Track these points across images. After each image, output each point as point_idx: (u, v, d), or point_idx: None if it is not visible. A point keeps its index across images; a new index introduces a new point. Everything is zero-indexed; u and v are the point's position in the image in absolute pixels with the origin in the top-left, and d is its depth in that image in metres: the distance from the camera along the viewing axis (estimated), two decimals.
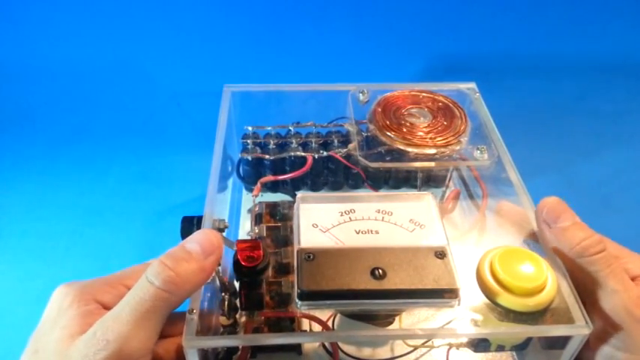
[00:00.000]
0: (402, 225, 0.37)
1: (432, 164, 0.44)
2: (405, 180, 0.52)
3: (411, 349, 0.39)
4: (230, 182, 0.52)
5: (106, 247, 0.53)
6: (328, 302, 0.32)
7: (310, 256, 0.33)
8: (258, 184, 0.48)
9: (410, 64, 0.80)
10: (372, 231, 0.36)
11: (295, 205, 0.37)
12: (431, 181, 0.52)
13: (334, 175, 0.50)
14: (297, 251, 0.34)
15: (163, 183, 0.61)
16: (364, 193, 0.39)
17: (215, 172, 0.41)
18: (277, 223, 0.40)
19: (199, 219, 0.38)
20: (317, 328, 0.34)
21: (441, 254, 0.34)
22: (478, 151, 0.44)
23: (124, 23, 0.81)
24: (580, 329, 0.31)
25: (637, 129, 0.69)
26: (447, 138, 0.44)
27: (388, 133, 0.44)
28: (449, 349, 0.38)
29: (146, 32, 0.81)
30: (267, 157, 0.49)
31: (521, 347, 0.37)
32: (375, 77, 0.77)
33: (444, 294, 0.32)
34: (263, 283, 0.35)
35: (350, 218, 0.37)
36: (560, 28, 0.82)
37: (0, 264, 0.52)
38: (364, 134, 0.47)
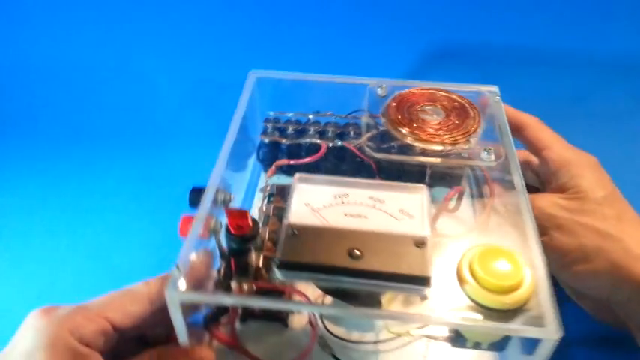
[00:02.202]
0: (391, 213, 0.38)
1: (437, 160, 0.44)
2: (419, 177, 0.52)
3: (393, 335, 0.40)
4: (250, 163, 0.55)
5: (107, 248, 0.53)
6: (304, 274, 0.34)
7: (295, 231, 0.35)
8: (273, 167, 0.50)
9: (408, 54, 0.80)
10: (360, 215, 0.37)
11: (292, 183, 0.39)
12: (446, 180, 0.52)
13: (347, 166, 0.51)
14: (285, 226, 0.36)
15: (164, 183, 0.60)
16: (363, 180, 0.40)
17: (227, 147, 0.44)
18: (285, 204, 0.41)
19: None
20: None
21: (420, 243, 0.35)
22: (485, 153, 0.44)
23: (124, 23, 0.81)
24: (549, 333, 0.31)
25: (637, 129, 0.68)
26: (456, 137, 0.45)
27: (399, 128, 0.45)
28: (428, 341, 0.38)
29: (147, 32, 0.81)
30: (284, 141, 0.51)
31: (499, 347, 0.37)
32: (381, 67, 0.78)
33: (415, 280, 0.33)
34: (251, 251, 0.37)
35: (342, 202, 0.39)
36: (565, 21, 0.79)
37: (0, 264, 0.51)
38: (380, 128, 0.48)
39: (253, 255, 0.37)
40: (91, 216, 0.56)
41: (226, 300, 0.35)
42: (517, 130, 0.50)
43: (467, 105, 0.48)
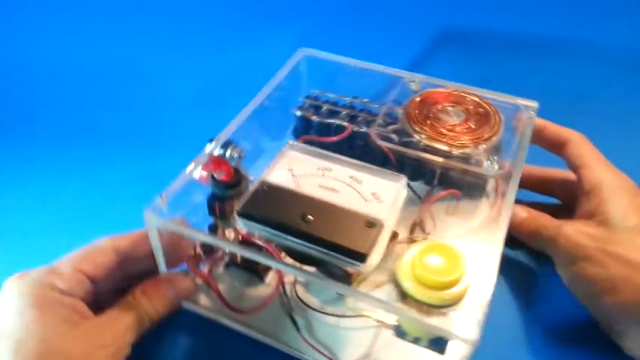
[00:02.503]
0: (362, 193, 0.40)
1: (437, 159, 0.45)
2: (441, 179, 0.52)
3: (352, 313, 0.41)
4: (288, 135, 0.59)
5: None
6: (259, 226, 0.37)
7: (265, 188, 0.39)
8: (299, 140, 0.53)
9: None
10: (334, 189, 0.40)
11: (283, 148, 0.43)
12: (465, 188, 0.52)
13: (366, 153, 0.53)
14: (258, 181, 0.39)
15: (165, 183, 0.58)
16: (352, 160, 0.42)
17: (250, 107, 0.48)
18: None
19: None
20: None
21: (371, 224, 0.36)
22: (488, 162, 0.44)
23: (124, 23, 0.81)
24: (462, 335, 0.31)
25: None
26: (465, 140, 0.45)
27: (411, 122, 0.46)
28: (380, 328, 0.40)
29: (147, 32, 0.81)
30: (314, 118, 0.54)
31: (437, 347, 0.37)
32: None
33: (352, 254, 0.35)
34: (234, 199, 0.40)
35: (322, 174, 0.41)
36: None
37: (1, 263, 0.51)
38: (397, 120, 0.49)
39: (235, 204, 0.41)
40: (91, 216, 0.55)
41: (199, 236, 0.40)
42: (560, 147, 0.48)
43: (492, 113, 0.47)
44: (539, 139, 0.49)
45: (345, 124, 0.52)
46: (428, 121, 0.46)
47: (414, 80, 0.52)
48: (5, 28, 0.77)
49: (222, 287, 0.45)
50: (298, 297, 0.43)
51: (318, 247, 0.36)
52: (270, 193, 0.38)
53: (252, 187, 0.39)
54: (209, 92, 0.71)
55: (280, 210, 0.37)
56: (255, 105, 0.50)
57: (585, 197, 0.45)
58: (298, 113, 0.55)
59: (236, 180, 0.41)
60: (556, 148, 0.49)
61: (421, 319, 0.32)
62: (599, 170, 0.45)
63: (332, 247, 0.35)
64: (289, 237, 0.36)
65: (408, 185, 0.43)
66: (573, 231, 0.43)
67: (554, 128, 0.49)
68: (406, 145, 0.46)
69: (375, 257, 0.35)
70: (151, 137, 0.65)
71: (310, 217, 0.37)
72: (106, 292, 0.39)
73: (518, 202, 0.49)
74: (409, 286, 0.34)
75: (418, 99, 0.49)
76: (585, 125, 0.50)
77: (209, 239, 0.40)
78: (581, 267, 0.42)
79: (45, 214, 0.56)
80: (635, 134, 0.66)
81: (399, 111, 0.48)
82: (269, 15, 0.87)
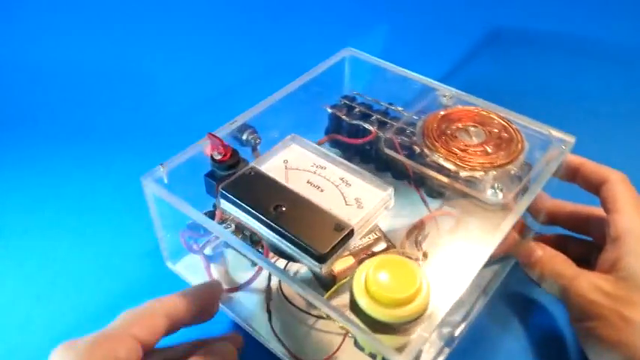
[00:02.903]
0: (346, 196, 0.39)
1: (439, 176, 0.43)
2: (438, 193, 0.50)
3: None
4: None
5: (108, 247, 0.52)
6: (233, 207, 0.38)
7: (252, 173, 0.40)
8: (325, 137, 0.54)
9: None
10: (319, 187, 0.40)
11: (284, 139, 0.43)
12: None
13: (381, 160, 0.52)
14: (249, 165, 0.41)
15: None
16: (348, 163, 0.42)
17: (279, 94, 0.49)
18: None
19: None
20: None
21: (340, 228, 0.36)
22: (492, 190, 0.42)
23: (124, 23, 0.81)
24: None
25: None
26: (474, 163, 0.43)
27: (425, 136, 0.45)
28: (345, 335, 0.39)
29: (147, 32, 0.80)
30: (344, 118, 0.54)
31: None
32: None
33: (311, 253, 0.35)
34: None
35: (314, 171, 0.41)
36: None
37: (1, 263, 0.51)
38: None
39: None
40: (91, 216, 0.55)
41: (191, 213, 0.40)
42: (597, 186, 0.44)
43: (515, 140, 0.45)
44: (576, 177, 0.46)
45: (372, 128, 0.52)
46: (443, 137, 0.45)
47: (446, 95, 0.50)
48: (5, 28, 0.76)
49: (219, 265, 0.46)
50: (281, 290, 0.44)
51: (283, 240, 0.36)
52: (255, 178, 0.40)
53: (240, 171, 0.40)
54: (209, 92, 0.71)
55: (257, 196, 0.38)
56: (284, 94, 0.50)
57: (610, 245, 0.41)
58: (329, 110, 0.55)
59: (233, 162, 0.42)
60: (593, 187, 0.45)
61: (360, 333, 0.32)
62: (629, 217, 0.40)
63: (294, 243, 0.36)
64: (258, 224, 0.37)
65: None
66: (588, 285, 0.39)
67: (592, 166, 0.45)
68: (412, 157, 0.44)
69: (335, 261, 0.35)
70: (150, 137, 0.65)
71: (283, 209, 0.37)
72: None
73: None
74: (363, 302, 0.33)
75: (442, 113, 0.47)
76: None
77: (197, 217, 0.40)
78: (594, 327, 0.38)
79: (45, 213, 0.55)
80: (636, 134, 0.65)
81: (419, 123, 0.47)
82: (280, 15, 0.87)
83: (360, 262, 0.38)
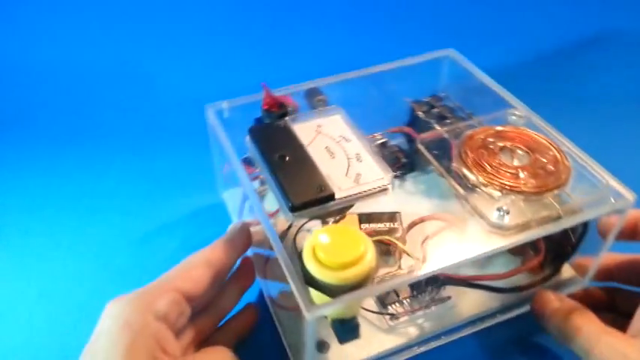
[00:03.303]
0: (349, 169, 0.42)
1: (456, 186, 0.43)
2: None
3: None
4: None
5: (108, 247, 0.52)
6: (254, 150, 0.43)
7: (282, 126, 0.45)
8: (396, 127, 0.56)
9: None
10: (332, 154, 0.43)
11: (330, 108, 0.47)
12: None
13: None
14: (285, 119, 0.45)
15: (165, 182, 0.59)
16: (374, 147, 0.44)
17: (359, 73, 0.53)
18: None
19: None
20: None
21: (320, 190, 0.39)
22: (498, 212, 0.40)
23: (124, 23, 0.79)
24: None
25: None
26: (496, 182, 0.42)
27: (464, 145, 0.45)
28: None
29: (147, 32, 0.79)
30: (419, 114, 0.55)
31: (348, 333, 0.38)
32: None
33: (286, 198, 0.38)
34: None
35: (338, 141, 0.44)
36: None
37: (1, 263, 0.51)
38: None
39: None
40: (92, 215, 0.55)
41: (227, 150, 0.44)
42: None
43: (558, 175, 0.42)
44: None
45: (439, 129, 0.52)
46: (481, 150, 0.44)
47: (517, 113, 0.48)
48: (5, 28, 0.76)
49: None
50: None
51: (273, 185, 0.40)
52: (282, 130, 0.44)
53: (274, 122, 0.45)
54: (210, 92, 0.69)
55: (273, 145, 0.42)
56: (367, 72, 0.53)
57: None
58: (409, 103, 0.57)
59: (279, 113, 0.47)
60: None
61: (290, 282, 0.34)
62: None
63: (279, 188, 0.39)
64: (262, 165, 0.42)
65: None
66: (609, 348, 0.36)
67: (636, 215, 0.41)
68: (441, 158, 0.44)
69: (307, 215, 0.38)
70: (151, 137, 0.65)
71: (287, 159, 0.41)
72: (202, 319, 0.40)
73: None
74: (312, 267, 0.34)
75: (497, 129, 0.46)
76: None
77: (230, 154, 0.44)
78: None
79: (45, 213, 0.55)
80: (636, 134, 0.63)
81: (468, 131, 0.47)
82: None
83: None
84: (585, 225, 0.44)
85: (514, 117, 0.48)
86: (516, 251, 0.45)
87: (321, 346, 0.42)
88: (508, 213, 0.39)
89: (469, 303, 0.45)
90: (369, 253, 0.35)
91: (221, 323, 0.42)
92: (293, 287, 0.34)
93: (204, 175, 0.55)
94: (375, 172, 0.41)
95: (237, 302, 0.43)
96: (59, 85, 0.72)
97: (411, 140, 0.54)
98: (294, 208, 0.38)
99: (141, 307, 0.34)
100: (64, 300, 0.47)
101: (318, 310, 0.33)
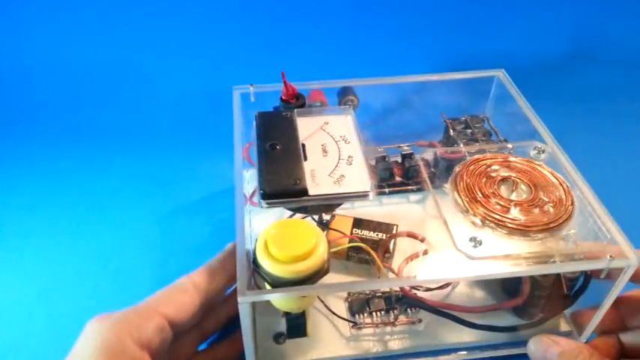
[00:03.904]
0: (335, 170, 0.42)
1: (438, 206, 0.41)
2: None
3: None
4: None
5: (108, 246, 0.52)
6: (253, 131, 0.45)
7: (287, 116, 0.46)
8: (422, 141, 0.55)
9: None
10: (326, 152, 0.43)
11: (342, 107, 0.47)
12: None
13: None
14: (292, 111, 0.47)
15: (165, 182, 0.59)
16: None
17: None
18: None
19: None
20: None
21: (296, 182, 0.40)
22: (472, 242, 0.38)
23: (124, 23, 0.77)
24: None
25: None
26: (479, 211, 0.40)
27: (464, 169, 0.43)
28: None
29: (147, 31, 0.77)
30: (451, 131, 0.54)
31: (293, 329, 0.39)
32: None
33: (260, 187, 0.40)
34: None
35: (337, 141, 0.44)
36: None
37: (1, 263, 0.50)
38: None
39: None
40: (92, 215, 0.55)
41: (236, 133, 0.46)
42: None
43: (552, 219, 0.39)
44: None
45: (463, 150, 0.50)
46: (480, 177, 0.42)
47: (538, 147, 0.45)
48: (5, 28, 0.75)
49: None
50: None
51: (257, 168, 0.42)
52: (285, 120, 0.45)
53: (282, 110, 0.46)
54: (209, 92, 0.71)
55: (269, 132, 0.43)
56: (411, 80, 0.53)
57: None
58: (444, 118, 0.55)
59: (296, 104, 0.48)
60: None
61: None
62: None
63: (260, 173, 0.41)
64: (256, 152, 0.43)
65: None
66: None
67: None
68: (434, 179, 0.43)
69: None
70: (151, 137, 0.65)
71: (277, 148, 0.42)
72: (183, 340, 0.39)
73: None
74: (266, 264, 0.34)
75: (509, 159, 0.44)
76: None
77: (236, 139, 0.46)
78: None
79: (45, 213, 0.55)
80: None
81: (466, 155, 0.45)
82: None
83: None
84: (587, 276, 0.40)
85: (535, 150, 0.45)
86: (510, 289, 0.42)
87: (278, 337, 0.43)
88: (481, 244, 0.37)
89: (443, 332, 0.43)
90: (321, 248, 0.35)
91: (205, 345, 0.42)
92: (238, 269, 0.35)
93: (204, 175, 0.57)
94: (359, 177, 0.41)
95: (222, 326, 0.42)
96: (59, 85, 0.73)
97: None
98: (265, 196, 0.39)
99: (123, 331, 0.32)
100: (64, 300, 0.47)
101: (252, 296, 0.34)
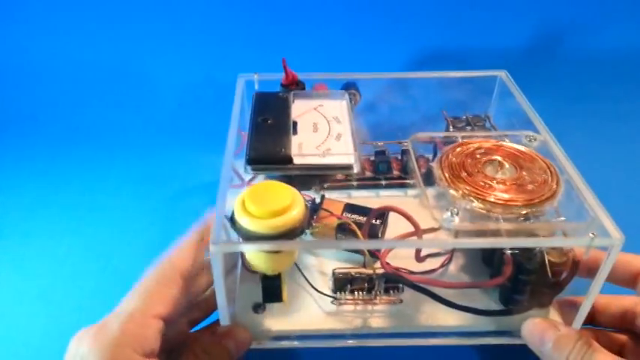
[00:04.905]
0: (322, 143, 0.43)
1: (418, 181, 0.42)
2: None
3: None
4: None
5: (108, 246, 0.52)
6: (250, 110, 0.47)
7: (282, 96, 0.48)
8: (418, 134, 0.56)
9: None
10: (316, 128, 0.45)
11: (339, 92, 0.49)
12: None
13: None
14: (289, 92, 0.48)
15: (165, 182, 0.59)
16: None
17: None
18: None
19: None
20: None
21: (281, 152, 0.41)
22: (449, 213, 0.38)
23: (124, 22, 0.77)
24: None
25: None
26: (461, 186, 0.40)
27: (451, 149, 0.43)
28: None
29: (147, 31, 0.76)
30: (451, 126, 0.54)
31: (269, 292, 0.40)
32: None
33: (248, 154, 0.41)
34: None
35: (328, 120, 0.46)
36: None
37: (1, 263, 0.50)
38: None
39: None
40: (91, 216, 0.55)
41: (234, 116, 0.47)
42: (633, 280, 0.38)
43: (540, 195, 0.39)
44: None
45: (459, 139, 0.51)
46: (467, 157, 0.42)
47: (530, 135, 0.45)
48: (5, 28, 0.76)
49: None
50: None
51: (248, 140, 0.43)
52: (280, 100, 0.47)
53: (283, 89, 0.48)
54: (210, 93, 0.71)
55: (264, 109, 0.45)
56: (413, 76, 0.55)
57: None
58: (445, 115, 0.56)
59: (296, 89, 0.50)
60: (628, 282, 0.38)
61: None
62: None
63: (249, 142, 0.42)
64: (249, 126, 0.45)
65: None
66: None
67: (624, 258, 0.37)
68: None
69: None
70: (151, 137, 0.65)
71: (268, 122, 0.44)
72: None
73: None
74: (244, 221, 0.34)
75: (499, 143, 0.44)
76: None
77: (234, 122, 0.47)
78: None
79: (45, 214, 0.55)
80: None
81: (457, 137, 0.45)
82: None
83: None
84: (575, 264, 0.39)
85: (526, 139, 0.44)
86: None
87: (257, 307, 0.43)
88: (457, 214, 0.36)
89: (425, 314, 0.42)
90: (298, 207, 0.35)
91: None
92: (213, 220, 0.36)
93: (204, 175, 0.57)
94: (345, 152, 0.41)
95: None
96: (59, 85, 0.73)
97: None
98: (250, 161, 0.40)
99: (127, 347, 0.30)
100: (64, 300, 0.47)
101: (225, 246, 0.35)
